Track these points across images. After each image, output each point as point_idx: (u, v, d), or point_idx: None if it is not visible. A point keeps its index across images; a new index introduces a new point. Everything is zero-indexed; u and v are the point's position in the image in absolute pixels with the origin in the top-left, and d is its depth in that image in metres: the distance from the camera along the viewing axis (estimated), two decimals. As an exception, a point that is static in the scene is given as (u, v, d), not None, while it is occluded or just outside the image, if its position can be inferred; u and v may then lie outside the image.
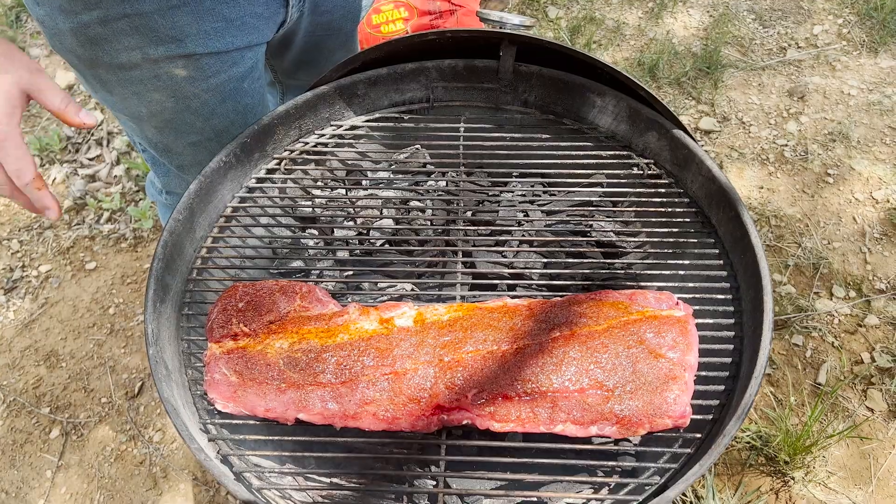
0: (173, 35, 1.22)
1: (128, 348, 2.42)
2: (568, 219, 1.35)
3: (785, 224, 2.43)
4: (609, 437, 1.01)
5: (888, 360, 2.12)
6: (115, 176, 2.95)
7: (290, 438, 1.04)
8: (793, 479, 1.96)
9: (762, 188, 2.53)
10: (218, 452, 1.02)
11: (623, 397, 1.00)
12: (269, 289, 1.11)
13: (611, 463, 1.03)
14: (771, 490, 1.96)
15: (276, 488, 1.00)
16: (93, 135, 3.09)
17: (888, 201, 2.44)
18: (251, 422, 1.07)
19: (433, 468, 1.13)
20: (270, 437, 1.04)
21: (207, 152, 1.44)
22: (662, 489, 0.98)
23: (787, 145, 2.62)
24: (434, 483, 1.11)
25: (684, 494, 1.95)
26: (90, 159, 3.04)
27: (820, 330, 2.21)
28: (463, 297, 1.21)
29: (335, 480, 1.06)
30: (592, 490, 1.08)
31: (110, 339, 2.44)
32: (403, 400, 1.00)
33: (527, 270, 1.31)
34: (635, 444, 1.18)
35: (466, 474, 1.01)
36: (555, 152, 1.37)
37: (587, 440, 1.13)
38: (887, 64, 2.84)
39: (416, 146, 1.46)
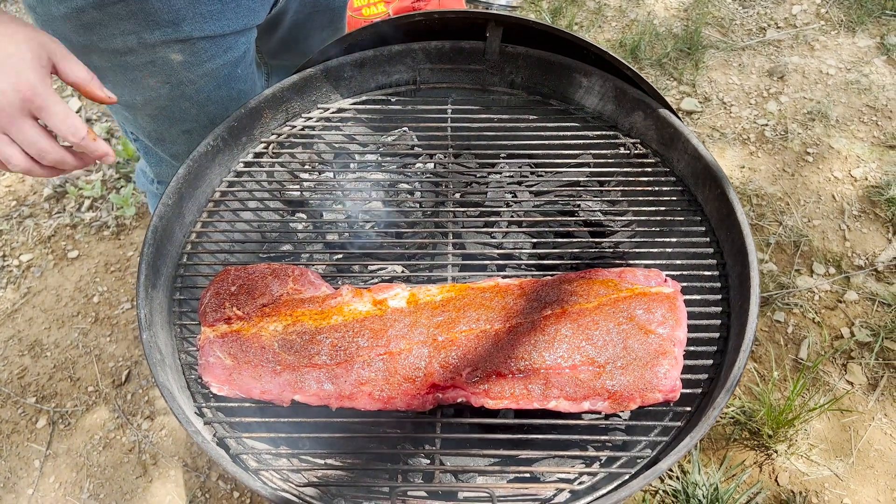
0: (169, 18, 1.21)
1: (113, 336, 2.40)
2: (556, 199, 1.36)
3: (766, 203, 2.47)
4: (601, 413, 1.03)
5: (867, 335, 2.16)
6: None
7: (285, 420, 1.05)
8: (776, 452, 2.00)
9: (743, 167, 2.56)
10: (214, 435, 1.03)
11: (614, 373, 1.02)
12: (262, 272, 1.11)
13: (603, 437, 1.05)
14: (755, 463, 2.00)
15: (274, 469, 1.01)
16: (71, 122, 3.04)
17: (866, 179, 2.48)
18: (246, 404, 1.07)
19: (427, 446, 1.14)
20: (266, 420, 1.05)
21: (202, 140, 1.43)
22: (654, 462, 1.00)
23: (767, 125, 2.65)
24: (429, 461, 1.12)
25: (671, 470, 1.99)
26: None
27: (801, 306, 2.25)
28: (454, 279, 1.22)
29: (331, 461, 1.07)
30: (585, 464, 1.10)
31: (95, 328, 2.42)
32: (398, 379, 1.01)
33: (516, 251, 1.32)
34: (625, 419, 1.20)
35: (461, 452, 1.02)
36: (542, 133, 1.37)
37: (579, 416, 1.15)
38: (864, 43, 2.87)
39: (404, 128, 1.46)
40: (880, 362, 2.13)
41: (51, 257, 2.61)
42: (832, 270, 2.32)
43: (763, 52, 2.90)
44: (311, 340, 1.04)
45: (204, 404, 1.06)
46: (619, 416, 1.16)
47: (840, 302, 2.25)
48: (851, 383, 2.12)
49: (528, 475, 1.08)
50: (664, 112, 1.30)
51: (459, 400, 1.02)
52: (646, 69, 2.89)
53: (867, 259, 2.33)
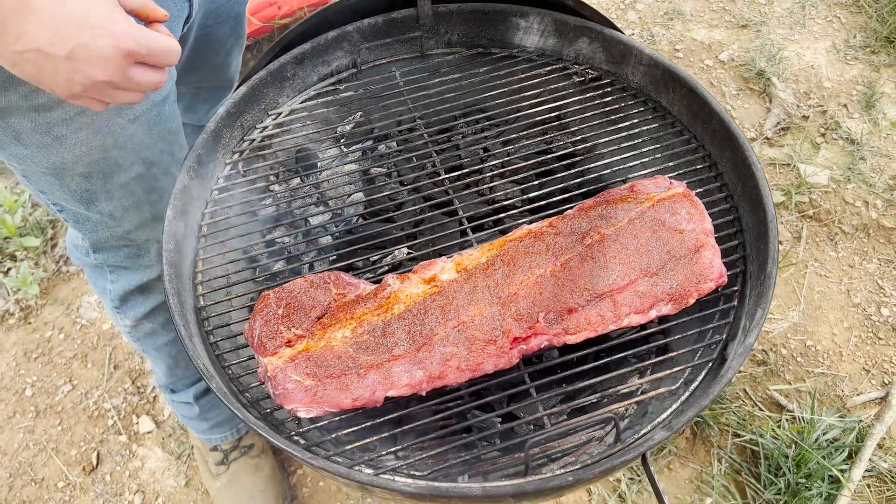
0: None
1: (64, 424, 2.21)
2: (528, 142, 1.40)
3: (657, 104, 2.63)
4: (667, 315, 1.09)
5: (780, 196, 2.38)
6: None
7: (378, 421, 1.03)
8: (740, 320, 2.18)
9: (626, 78, 2.71)
10: (320, 457, 0.99)
11: (668, 276, 1.08)
12: (302, 287, 1.08)
13: (668, 339, 1.12)
14: (726, 336, 2.17)
15: (389, 471, 0.99)
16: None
17: (733, 60, 2.70)
18: (322, 421, 1.04)
19: (504, 405, 1.16)
20: (360, 426, 1.03)
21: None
22: (729, 341, 1.07)
23: (633, 34, 2.80)
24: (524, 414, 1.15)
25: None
26: (-73, 243, 2.68)
27: (716, 188, 2.44)
28: (462, 245, 1.22)
29: (433, 443, 1.07)
30: (675, 364, 1.16)
31: (40, 422, 2.22)
32: (480, 344, 1.02)
33: (510, 200, 1.35)
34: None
35: (559, 392, 1.05)
36: (496, 83, 1.40)
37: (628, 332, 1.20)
38: (689, -60, 3.09)
39: (359, 113, 1.44)
40: (797, 217, 2.36)
41: (-41, 365, 2.34)
42: (731, 149, 2.52)
43: (605, -32, 3.06)
44: (385, 334, 1.02)
45: (293, 434, 1.02)
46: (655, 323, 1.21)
47: (747, 174, 2.46)
48: (781, 242, 2.34)
49: (627, 391, 1.14)
50: (610, 32, 1.36)
51: (543, 345, 1.04)
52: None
53: (756, 130, 2.55)
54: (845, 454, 1.89)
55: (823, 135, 2.54)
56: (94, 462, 2.13)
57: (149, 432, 2.17)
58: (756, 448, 1.94)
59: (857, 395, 2.05)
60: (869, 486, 1.90)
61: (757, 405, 2.05)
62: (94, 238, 1.43)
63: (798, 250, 2.31)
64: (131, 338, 1.69)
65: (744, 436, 1.97)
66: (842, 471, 1.85)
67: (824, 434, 1.94)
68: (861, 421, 1.97)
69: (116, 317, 1.63)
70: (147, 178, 1.33)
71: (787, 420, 2.00)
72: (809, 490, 1.82)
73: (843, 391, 2.06)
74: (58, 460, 2.14)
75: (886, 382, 2.07)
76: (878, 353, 2.13)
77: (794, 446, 1.91)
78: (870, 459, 1.90)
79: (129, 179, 1.30)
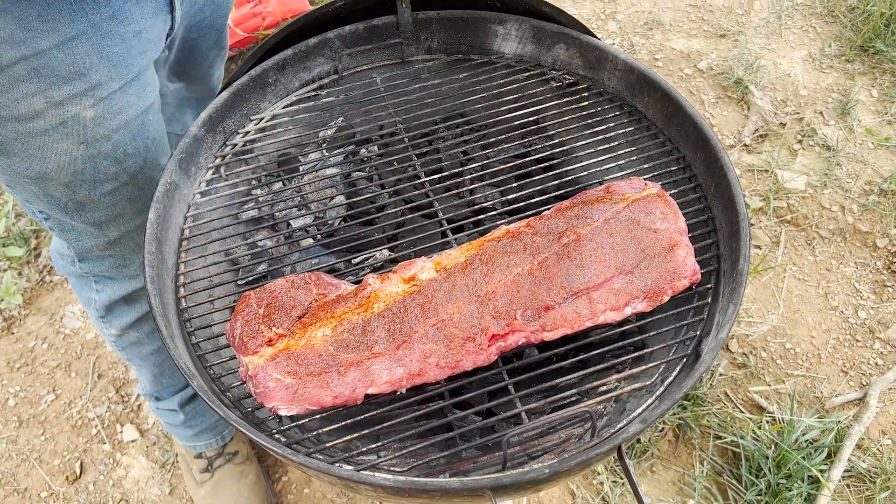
0: (76, 70, 1.11)
1: (47, 434, 2.20)
2: (507, 146, 1.42)
3: (637, 112, 2.67)
4: (643, 311, 1.11)
5: (759, 201, 2.42)
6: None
7: (359, 419, 1.04)
8: (721, 324, 2.21)
9: (607, 87, 2.75)
10: (301, 453, 1.00)
11: (643, 274, 1.10)
12: (282, 287, 1.09)
13: (644, 335, 1.14)
14: (707, 340, 2.20)
15: (369, 467, 1.00)
16: None
17: (711, 69, 2.74)
18: (303, 420, 1.06)
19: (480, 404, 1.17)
20: (339, 424, 1.04)
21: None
22: (703, 337, 1.09)
23: (614, 44, 2.85)
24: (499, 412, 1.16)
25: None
26: (-89, 254, 2.66)
27: (696, 194, 2.47)
28: (442, 246, 1.24)
29: (413, 441, 1.08)
30: (650, 361, 1.19)
31: (23, 432, 2.21)
32: (459, 342, 1.04)
33: (489, 203, 1.37)
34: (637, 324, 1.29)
35: (539, 388, 1.07)
36: (476, 88, 1.42)
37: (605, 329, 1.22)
38: (668, -48, 3.15)
39: (340, 118, 1.45)
40: (776, 221, 2.40)
41: (-59, 376, 2.33)
42: (710, 155, 2.56)
43: (586, -20, 3.11)
44: (364, 332, 1.03)
45: (274, 431, 1.03)
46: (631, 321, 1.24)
47: (727, 180, 2.50)
48: (759, 247, 2.37)
49: (605, 388, 1.16)
50: (586, 38, 1.38)
51: (520, 342, 1.06)
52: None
53: (735, 137, 2.59)
54: (825, 454, 1.92)
55: (800, 141, 2.58)
56: (78, 471, 2.12)
57: (133, 441, 2.17)
58: (737, 449, 1.97)
59: (836, 396, 2.08)
60: (848, 485, 1.93)
61: (738, 407, 2.08)
62: (78, 247, 1.43)
63: (777, 254, 2.35)
64: (116, 347, 1.69)
65: (725, 438, 1.99)
66: (821, 471, 1.88)
67: (804, 435, 1.96)
68: (840, 422, 2.00)
69: (102, 326, 1.63)
70: (131, 188, 1.33)
71: (767, 421, 2.02)
72: (790, 490, 1.85)
73: (821, 392, 2.09)
74: (41, 470, 2.13)
75: (864, 384, 2.10)
76: (856, 355, 2.16)
77: (774, 447, 1.93)
78: (849, 459, 1.93)
79: (112, 189, 1.30)
